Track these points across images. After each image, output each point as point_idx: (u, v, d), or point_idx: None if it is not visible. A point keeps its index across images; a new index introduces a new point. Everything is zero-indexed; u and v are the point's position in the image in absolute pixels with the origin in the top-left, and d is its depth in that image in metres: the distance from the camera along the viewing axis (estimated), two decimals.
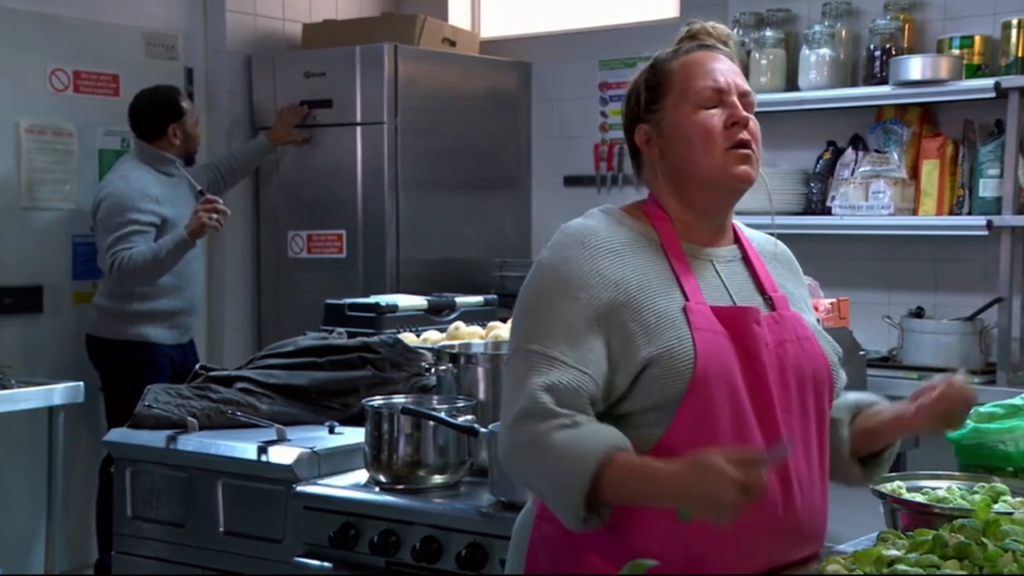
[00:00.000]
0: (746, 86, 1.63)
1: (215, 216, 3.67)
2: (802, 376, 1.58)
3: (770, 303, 1.63)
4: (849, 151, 3.90)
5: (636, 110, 1.65)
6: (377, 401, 2.29)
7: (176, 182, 3.93)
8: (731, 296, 1.60)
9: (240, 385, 2.62)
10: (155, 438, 2.51)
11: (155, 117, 3.90)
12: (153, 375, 3.39)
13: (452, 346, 2.50)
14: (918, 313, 3.81)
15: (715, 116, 1.59)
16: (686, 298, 1.54)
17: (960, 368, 1.64)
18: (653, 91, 1.63)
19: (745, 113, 1.60)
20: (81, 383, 3.63)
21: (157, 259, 3.69)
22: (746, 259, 1.67)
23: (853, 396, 1.72)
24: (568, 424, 1.46)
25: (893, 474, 1.77)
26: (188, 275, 3.89)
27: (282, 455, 2.33)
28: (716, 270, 1.62)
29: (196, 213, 3.68)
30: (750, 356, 1.53)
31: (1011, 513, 1.56)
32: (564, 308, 1.51)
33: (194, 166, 4.03)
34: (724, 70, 1.62)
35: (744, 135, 1.59)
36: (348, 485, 2.26)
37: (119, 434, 2.60)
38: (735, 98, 1.60)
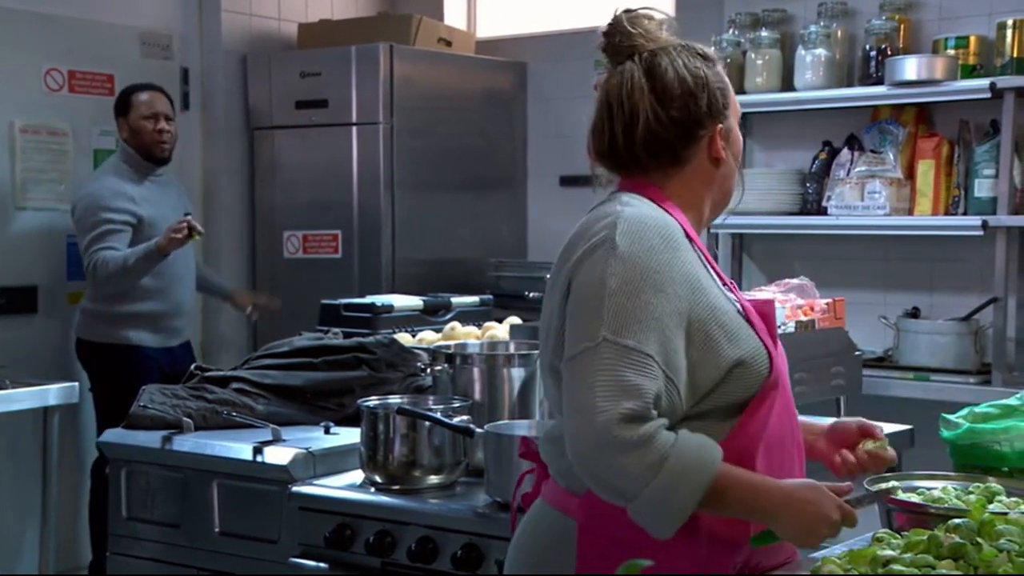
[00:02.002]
0: None
1: (182, 231, 3.57)
2: (785, 362, 1.65)
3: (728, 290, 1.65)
4: (845, 151, 3.90)
5: (711, 108, 1.60)
6: (373, 401, 2.28)
7: (162, 187, 3.89)
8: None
9: (235, 385, 2.61)
10: (150, 438, 2.51)
11: (114, 112, 3.88)
12: (137, 379, 3.35)
13: (448, 346, 2.50)
14: (914, 313, 3.81)
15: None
16: (734, 298, 1.57)
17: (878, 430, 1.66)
18: (723, 94, 1.62)
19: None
20: (76, 384, 3.63)
21: (126, 266, 3.64)
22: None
23: None
24: (671, 430, 1.44)
25: (889, 474, 1.78)
26: (172, 277, 3.82)
27: (278, 455, 2.33)
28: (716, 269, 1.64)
29: (169, 231, 3.60)
30: (776, 347, 1.58)
31: (1006, 513, 1.56)
32: (652, 302, 1.45)
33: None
34: None
35: None
36: (344, 485, 2.26)
37: (114, 434, 2.59)
38: None
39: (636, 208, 1.54)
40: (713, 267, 1.58)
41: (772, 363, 1.53)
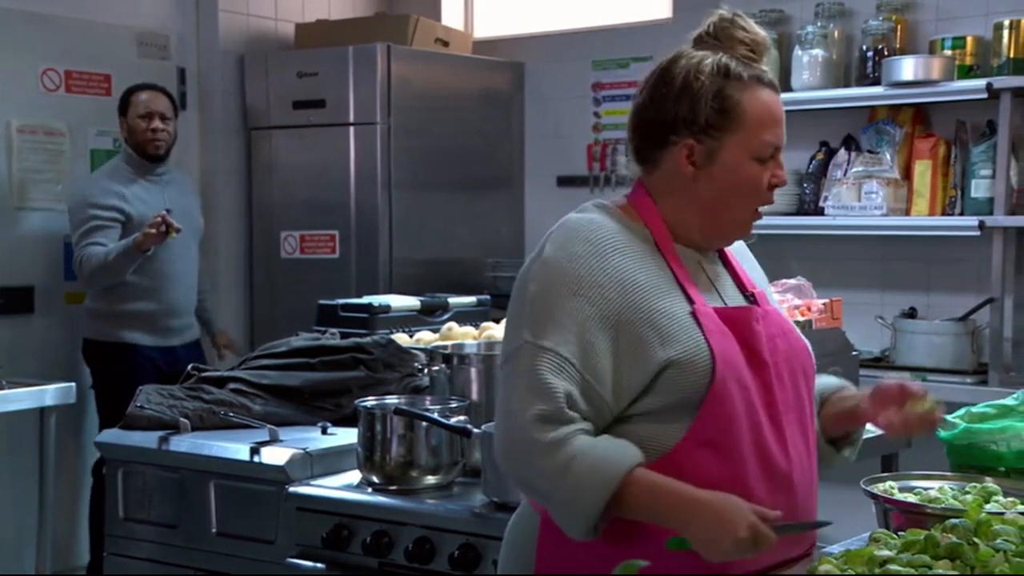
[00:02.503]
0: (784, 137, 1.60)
1: (158, 226, 3.57)
2: (793, 370, 1.61)
3: (752, 300, 1.64)
4: (842, 151, 3.90)
5: (688, 118, 1.53)
6: (370, 402, 2.28)
7: (162, 186, 3.89)
8: (721, 296, 1.61)
9: (232, 386, 2.61)
10: (147, 439, 2.50)
11: (118, 112, 3.91)
12: (134, 377, 3.35)
13: (445, 347, 2.50)
14: (911, 313, 3.82)
15: (763, 173, 1.56)
16: (690, 300, 1.54)
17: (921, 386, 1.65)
18: (719, 115, 1.53)
19: (786, 176, 1.60)
20: (73, 384, 3.62)
21: (106, 262, 3.66)
22: (723, 258, 1.67)
23: (819, 384, 1.73)
24: (588, 431, 1.46)
25: (885, 474, 1.78)
26: (165, 277, 3.81)
27: (275, 456, 2.33)
28: (704, 271, 1.62)
29: (146, 227, 3.61)
30: (753, 354, 1.54)
31: (1002, 513, 1.57)
32: (574, 307, 1.47)
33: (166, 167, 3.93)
34: (782, 120, 1.58)
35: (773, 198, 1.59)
36: (341, 486, 2.26)
37: (111, 435, 2.59)
38: (780, 155, 1.59)
39: (582, 216, 1.57)
40: (681, 277, 1.55)
41: (715, 363, 1.49)
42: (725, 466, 1.50)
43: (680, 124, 1.55)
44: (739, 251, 1.72)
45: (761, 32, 1.60)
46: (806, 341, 1.66)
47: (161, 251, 3.73)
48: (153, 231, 3.58)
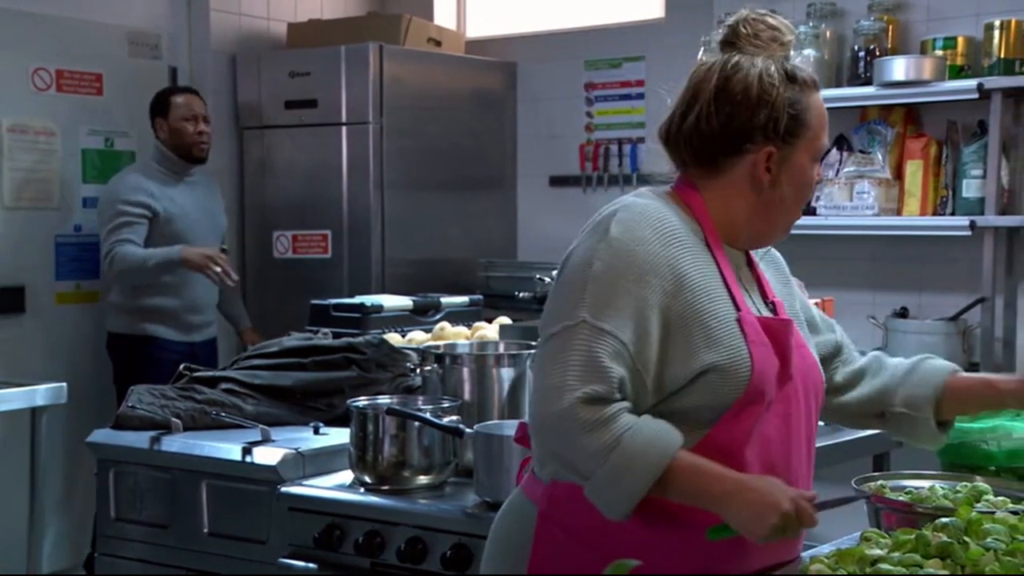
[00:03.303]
0: None
1: (217, 272, 3.69)
2: (807, 383, 1.62)
3: (772, 309, 1.64)
4: (834, 151, 3.91)
5: (769, 127, 1.54)
6: (362, 402, 2.28)
7: (190, 186, 3.95)
8: (752, 303, 1.61)
9: (224, 386, 2.61)
10: (139, 439, 2.50)
11: (149, 110, 3.96)
12: (158, 371, 3.41)
13: (437, 346, 2.49)
14: (902, 313, 3.83)
15: (815, 172, 1.61)
16: (736, 307, 1.54)
17: None
18: (794, 121, 1.55)
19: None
20: (64, 384, 3.61)
21: (144, 265, 3.73)
22: (750, 263, 1.68)
23: (929, 384, 1.74)
24: (632, 412, 1.45)
25: (876, 474, 1.79)
26: (188, 273, 3.87)
27: (267, 456, 2.32)
28: (742, 275, 1.62)
29: (206, 258, 3.69)
30: (783, 368, 1.55)
31: (993, 512, 1.57)
32: (636, 293, 1.46)
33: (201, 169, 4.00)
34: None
35: None
36: (333, 486, 2.26)
37: (103, 435, 2.58)
38: None
39: (643, 200, 1.56)
40: (730, 279, 1.56)
41: (753, 374, 1.50)
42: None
43: (757, 133, 1.55)
44: (771, 261, 1.74)
45: (789, 27, 1.61)
46: (816, 357, 1.67)
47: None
48: (208, 267, 3.67)
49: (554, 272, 2.88)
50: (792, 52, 1.60)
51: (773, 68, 1.56)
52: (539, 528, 1.57)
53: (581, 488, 1.51)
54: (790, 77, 1.56)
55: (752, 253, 1.68)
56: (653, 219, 1.52)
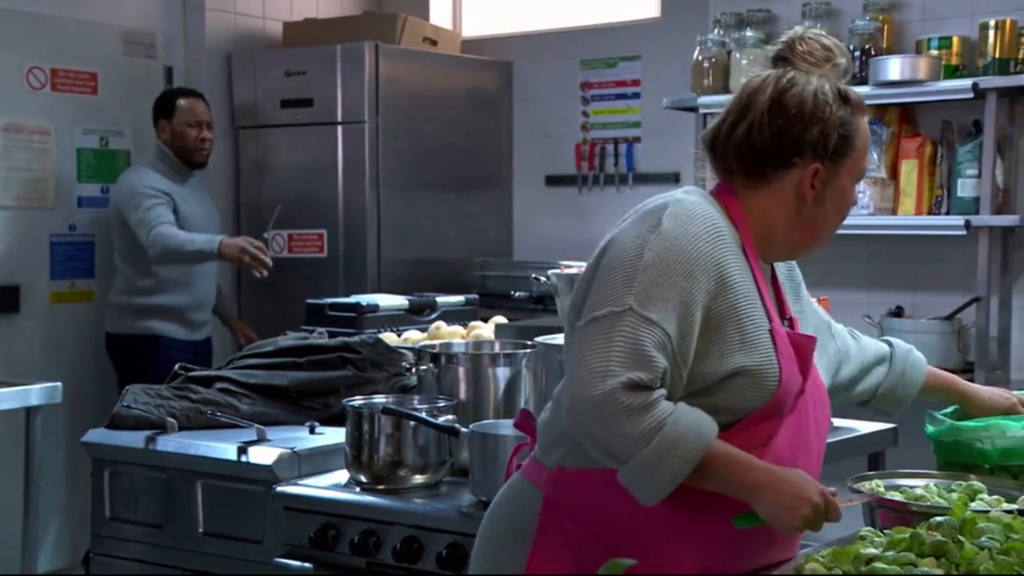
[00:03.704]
0: None
1: (255, 263, 3.66)
2: (814, 399, 1.64)
3: (789, 324, 1.66)
4: None
5: (820, 143, 1.56)
6: (357, 401, 2.28)
7: (192, 188, 3.96)
8: (777, 316, 1.63)
9: (220, 385, 2.60)
10: (134, 439, 2.49)
11: (153, 111, 3.96)
12: (164, 370, 3.40)
13: (433, 346, 2.49)
14: (898, 312, 3.83)
15: (855, 193, 1.66)
16: (768, 317, 1.56)
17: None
18: (844, 141, 1.58)
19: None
20: (59, 384, 3.61)
21: (182, 249, 3.70)
22: (774, 278, 1.70)
23: (919, 371, 1.98)
24: (672, 404, 1.46)
25: (872, 473, 1.79)
26: (194, 271, 3.89)
27: (262, 455, 2.32)
28: (768, 287, 1.64)
29: (244, 251, 3.65)
30: (804, 381, 1.58)
31: (987, 511, 1.57)
32: (684, 287, 1.47)
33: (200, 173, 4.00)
34: None
35: None
36: (328, 485, 2.26)
37: (97, 434, 2.58)
38: None
39: (693, 198, 1.57)
40: (763, 289, 1.58)
41: (780, 385, 1.52)
42: None
43: (807, 148, 1.57)
44: (789, 275, 1.77)
45: (842, 49, 1.63)
46: (819, 374, 1.70)
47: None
48: (245, 257, 3.64)
49: (550, 271, 2.90)
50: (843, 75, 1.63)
51: (827, 86, 1.58)
52: (544, 513, 1.57)
53: (588, 474, 1.52)
54: (843, 97, 1.59)
55: (776, 269, 1.71)
56: (704, 217, 1.53)
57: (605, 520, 1.53)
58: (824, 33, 1.65)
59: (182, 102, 3.93)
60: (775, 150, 1.58)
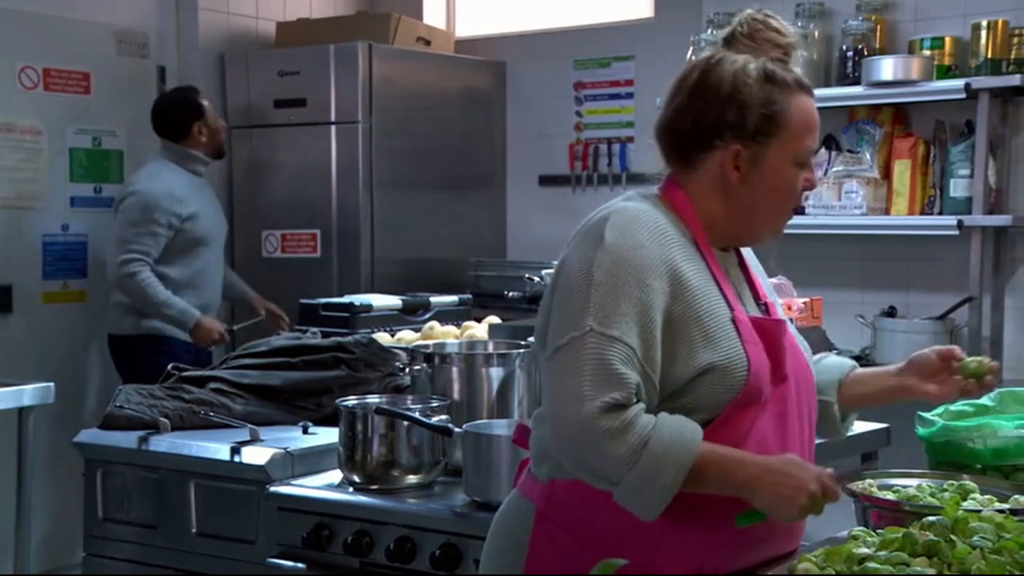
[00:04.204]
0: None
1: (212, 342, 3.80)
2: (799, 383, 1.62)
3: (764, 310, 1.65)
4: (822, 151, 3.92)
5: (737, 123, 1.54)
6: (351, 401, 2.28)
7: (203, 183, 3.97)
8: (743, 303, 1.61)
9: (213, 385, 2.60)
10: (127, 439, 2.49)
11: (180, 118, 3.91)
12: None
13: (426, 346, 2.49)
14: (890, 312, 3.84)
15: (799, 177, 1.58)
16: (729, 305, 1.54)
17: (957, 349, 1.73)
18: (767, 121, 1.54)
19: (815, 179, 1.61)
20: (51, 384, 3.60)
21: (158, 308, 3.74)
22: (742, 265, 1.68)
23: (830, 362, 1.78)
24: (652, 417, 1.45)
25: (864, 472, 1.79)
26: (203, 274, 3.88)
27: (255, 456, 2.32)
28: (731, 276, 1.63)
29: (212, 338, 3.79)
30: (777, 368, 1.56)
31: (979, 511, 1.58)
32: (639, 298, 1.46)
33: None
34: (818, 124, 1.59)
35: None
36: (322, 485, 2.25)
37: (90, 435, 2.57)
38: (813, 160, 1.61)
39: (633, 204, 1.55)
40: (720, 278, 1.56)
41: (749, 374, 1.51)
42: None
43: (727, 129, 1.55)
44: (749, 257, 1.73)
45: (792, 32, 1.61)
46: (806, 357, 1.68)
47: (202, 249, 3.84)
48: (211, 340, 3.77)
49: (544, 271, 2.90)
50: (793, 55, 1.59)
51: (753, 66, 1.55)
52: (536, 527, 1.57)
53: (580, 486, 1.52)
54: (768, 76, 1.55)
55: (744, 255, 1.69)
56: (646, 222, 1.52)
57: (597, 531, 1.52)
58: (773, 14, 1.61)
59: (203, 100, 3.94)
60: (696, 133, 1.56)
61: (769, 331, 1.57)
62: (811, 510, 1.46)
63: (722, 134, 1.55)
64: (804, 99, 1.58)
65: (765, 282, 1.73)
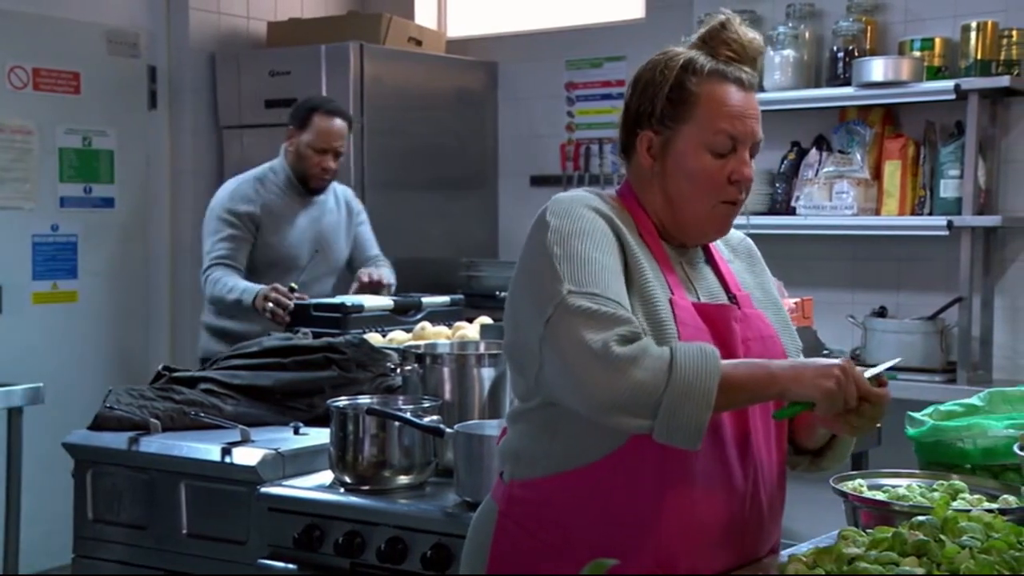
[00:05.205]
0: (760, 133, 1.59)
1: (273, 308, 3.32)
2: (756, 332, 1.62)
3: (735, 301, 1.64)
4: (813, 151, 3.93)
5: (648, 111, 1.57)
6: (342, 401, 2.27)
7: (309, 209, 3.62)
8: (697, 293, 1.61)
9: (204, 386, 2.60)
10: (117, 440, 2.48)
11: (291, 115, 3.60)
12: None
13: (418, 346, 2.49)
14: (881, 312, 3.85)
15: (721, 167, 1.55)
16: (670, 291, 1.55)
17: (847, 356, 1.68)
18: (673, 106, 1.55)
19: (750, 173, 1.57)
20: (41, 384, 3.59)
21: (224, 298, 3.45)
22: (710, 260, 1.68)
23: None
24: (667, 349, 1.43)
25: (854, 472, 1.80)
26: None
27: (246, 456, 2.31)
28: (683, 268, 1.63)
29: (265, 298, 3.32)
30: (728, 354, 1.53)
31: (969, 511, 1.58)
32: (596, 257, 1.48)
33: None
34: (746, 114, 1.56)
35: (740, 195, 1.58)
36: (313, 486, 2.25)
37: (80, 435, 2.57)
38: (747, 151, 1.57)
39: (568, 192, 1.60)
40: (665, 268, 1.56)
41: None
42: (670, 467, 1.49)
43: (643, 117, 1.59)
44: (741, 252, 1.73)
45: (749, 35, 1.60)
46: (789, 349, 1.67)
47: (309, 281, 3.55)
48: (277, 316, 3.31)
49: None
50: (758, 60, 1.62)
51: (682, 59, 1.57)
52: (498, 527, 1.59)
53: (537, 484, 1.53)
54: (686, 65, 1.56)
55: (717, 250, 1.68)
56: (582, 201, 1.56)
57: (555, 528, 1.53)
58: (742, 21, 1.61)
59: (319, 121, 3.50)
60: (625, 125, 1.61)
61: (715, 316, 1.56)
62: (843, 395, 1.42)
63: (640, 123, 1.59)
64: (723, 87, 1.55)
65: (765, 282, 1.73)
